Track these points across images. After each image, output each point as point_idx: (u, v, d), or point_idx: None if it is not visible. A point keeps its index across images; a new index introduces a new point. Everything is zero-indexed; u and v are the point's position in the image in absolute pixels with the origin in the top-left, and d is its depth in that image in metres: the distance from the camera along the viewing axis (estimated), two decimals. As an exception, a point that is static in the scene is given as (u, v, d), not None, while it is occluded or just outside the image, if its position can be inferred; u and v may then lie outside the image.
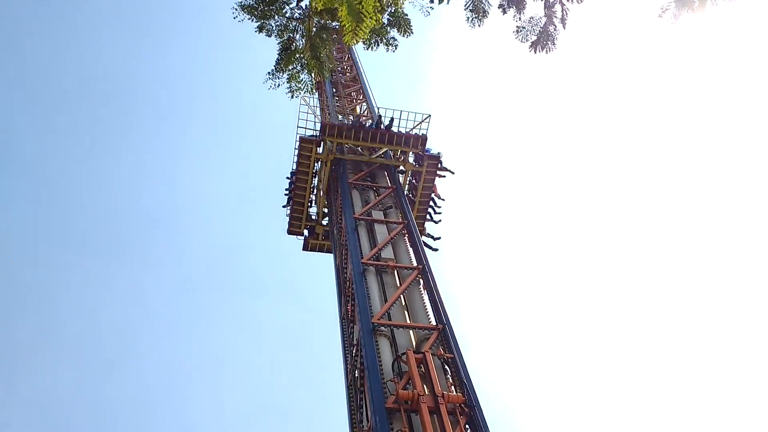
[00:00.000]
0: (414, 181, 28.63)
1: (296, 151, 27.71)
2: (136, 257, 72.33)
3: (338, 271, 24.51)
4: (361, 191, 25.84)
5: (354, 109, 32.92)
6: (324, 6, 10.46)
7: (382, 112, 29.26)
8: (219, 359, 69.63)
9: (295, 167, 27.80)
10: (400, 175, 28.46)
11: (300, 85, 14.58)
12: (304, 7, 13.41)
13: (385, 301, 19.40)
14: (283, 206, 28.82)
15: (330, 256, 27.88)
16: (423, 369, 16.27)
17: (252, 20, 13.45)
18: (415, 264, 21.33)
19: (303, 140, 27.11)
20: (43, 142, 72.46)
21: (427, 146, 27.84)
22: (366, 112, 31.96)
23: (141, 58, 79.52)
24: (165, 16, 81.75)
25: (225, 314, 74.06)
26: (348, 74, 35.84)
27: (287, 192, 28.57)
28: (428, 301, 19.73)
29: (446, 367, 17.23)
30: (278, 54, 13.69)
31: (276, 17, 13.33)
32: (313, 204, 29.00)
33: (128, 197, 75.86)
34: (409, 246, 22.50)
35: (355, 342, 19.66)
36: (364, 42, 13.91)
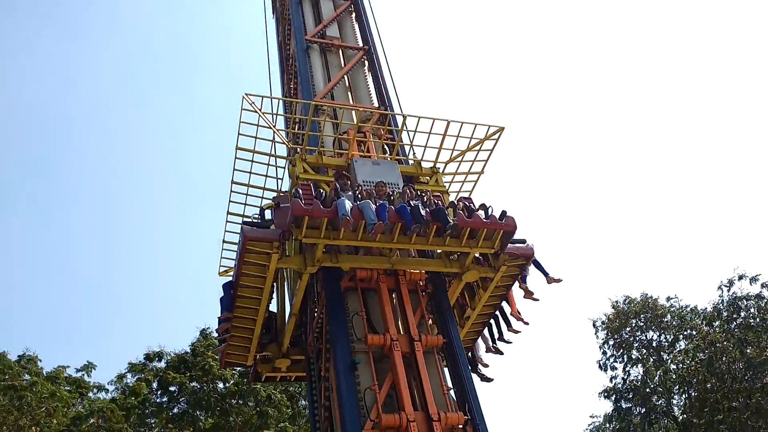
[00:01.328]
0: (474, 284, 14.57)
1: (236, 253, 12.98)
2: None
3: (280, 49, 20.88)
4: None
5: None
6: None
7: (411, 123, 14.32)
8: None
9: (234, 283, 13.16)
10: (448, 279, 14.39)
11: None
12: None
13: (329, 81, 16.69)
14: (215, 349, 14.51)
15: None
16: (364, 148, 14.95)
17: None
18: (361, 44, 18.23)
19: (250, 239, 11.99)
20: None
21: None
22: (374, 109, 16.48)
23: None
24: None
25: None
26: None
27: (218, 331, 14.03)
28: (372, 83, 17.22)
29: (385, 147, 15.51)
30: None
31: None
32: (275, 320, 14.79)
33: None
34: (356, 26, 19.04)
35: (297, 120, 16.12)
36: None
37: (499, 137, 14.99)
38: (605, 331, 39.26)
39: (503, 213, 13.19)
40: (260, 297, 13.18)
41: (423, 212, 12.28)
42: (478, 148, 15.14)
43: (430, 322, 13.18)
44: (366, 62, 17.84)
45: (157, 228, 77.67)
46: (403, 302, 12.67)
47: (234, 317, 13.55)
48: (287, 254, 12.70)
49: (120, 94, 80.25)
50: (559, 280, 14.08)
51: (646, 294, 39.12)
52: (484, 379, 15.25)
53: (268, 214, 13.59)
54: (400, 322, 12.60)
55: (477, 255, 13.67)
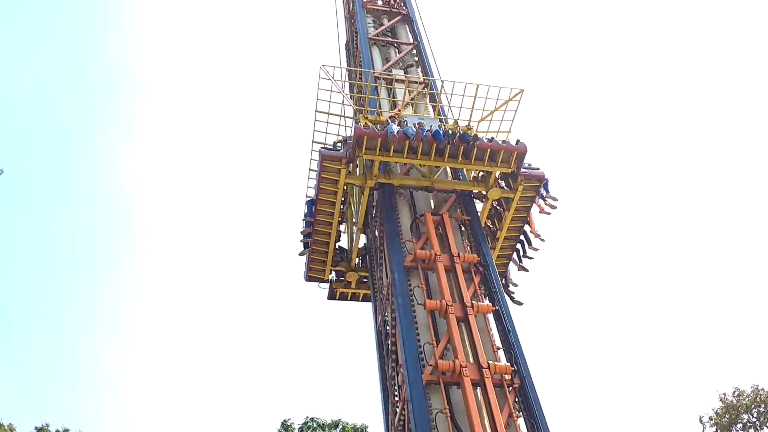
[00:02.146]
0: (499, 207, 18.52)
1: (315, 171, 17.48)
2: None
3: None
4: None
5: (405, 69, 21.70)
6: None
7: (448, 86, 18.52)
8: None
9: (314, 195, 17.66)
10: (478, 201, 18.32)
11: None
12: None
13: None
14: (300, 254, 18.79)
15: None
16: (441, 230, 16.21)
17: None
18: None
19: (326, 158, 16.55)
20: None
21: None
22: (423, 84, 20.90)
23: None
24: None
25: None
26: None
27: (303, 236, 18.49)
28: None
29: (463, 229, 16.88)
30: None
31: None
32: (343, 235, 19.12)
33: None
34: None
35: (374, 204, 17.64)
36: None
37: (520, 98, 18.94)
38: (714, 428, 35.47)
39: (517, 141, 17.14)
40: (333, 211, 17.47)
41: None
42: (504, 108, 19.11)
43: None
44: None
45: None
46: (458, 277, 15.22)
47: (314, 231, 17.86)
48: (351, 174, 17.04)
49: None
50: (554, 205, 17.75)
51: (757, 386, 35.29)
52: (515, 301, 18.68)
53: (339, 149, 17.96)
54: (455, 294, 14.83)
55: (499, 180, 17.56)
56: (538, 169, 17.69)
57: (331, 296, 19.66)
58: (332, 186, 16.99)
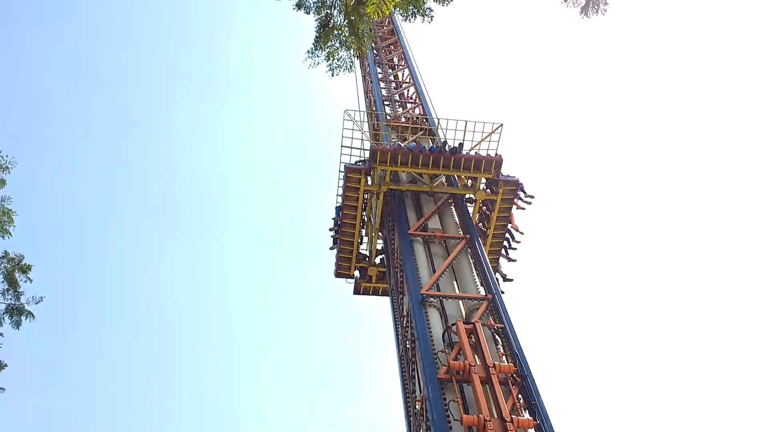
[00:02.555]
0: (487, 210, 23.37)
1: (341, 182, 22.66)
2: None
3: (386, 243, 23.16)
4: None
5: (407, 113, 27.38)
6: None
7: (443, 123, 23.82)
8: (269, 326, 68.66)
9: (341, 201, 22.78)
10: (469, 205, 23.24)
11: (339, 63, 14.66)
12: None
13: (434, 272, 19.17)
14: (330, 248, 23.83)
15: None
16: (473, 339, 16.13)
17: None
18: (462, 234, 20.94)
19: (349, 170, 21.87)
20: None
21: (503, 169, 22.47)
22: (422, 120, 26.42)
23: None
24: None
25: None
26: (398, 68, 30.53)
27: (332, 231, 23.58)
28: (476, 271, 19.54)
29: (497, 337, 16.90)
30: (316, 31, 13.73)
31: None
32: (364, 241, 24.07)
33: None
34: (455, 215, 22.03)
35: (405, 313, 19.05)
36: (401, 13, 14.45)
37: (501, 131, 24.16)
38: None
39: (496, 153, 22.23)
40: (355, 215, 22.49)
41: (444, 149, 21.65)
42: (488, 139, 24.31)
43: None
44: (469, 250, 20.28)
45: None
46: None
47: (341, 232, 22.80)
48: (369, 184, 22.15)
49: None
50: (530, 201, 22.56)
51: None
52: (506, 279, 23.18)
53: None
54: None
55: (484, 186, 22.48)
56: (515, 177, 22.72)
57: (356, 291, 24.41)
58: (354, 193, 22.20)
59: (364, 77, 31.17)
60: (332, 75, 15.11)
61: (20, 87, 72.16)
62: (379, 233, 23.38)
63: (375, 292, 24.56)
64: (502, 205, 22.66)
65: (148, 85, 77.79)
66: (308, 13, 14.55)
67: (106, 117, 74.32)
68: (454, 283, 19.47)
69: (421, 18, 17.16)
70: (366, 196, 22.65)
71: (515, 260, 23.55)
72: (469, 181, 22.69)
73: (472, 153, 22.69)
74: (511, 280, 23.28)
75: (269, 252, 73.09)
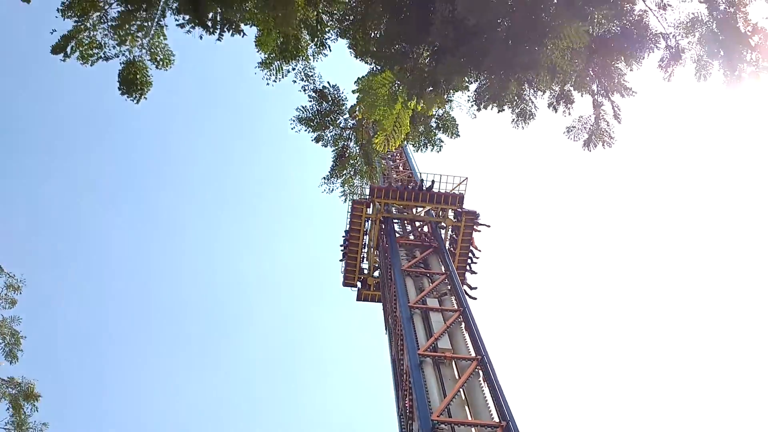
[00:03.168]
0: (454, 235, 31.75)
1: (349, 212, 31.28)
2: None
3: (394, 363, 24.22)
4: (415, 278, 26.73)
5: (400, 174, 36.36)
6: (367, 117, 11.30)
7: (424, 176, 32.63)
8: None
9: (348, 226, 31.19)
10: (442, 231, 31.69)
11: (353, 189, 14.56)
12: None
13: (444, 395, 18.96)
14: (340, 260, 32.05)
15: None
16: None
17: (309, 131, 13.40)
18: (473, 354, 21.01)
19: (355, 203, 30.51)
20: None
21: (465, 204, 31.08)
22: (409, 177, 35.41)
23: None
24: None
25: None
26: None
27: (342, 247, 31.83)
28: (489, 394, 19.30)
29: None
30: (333, 161, 13.70)
31: (331, 127, 13.34)
32: (365, 260, 32.31)
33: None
34: (466, 335, 22.40)
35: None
36: (413, 144, 14.18)
37: (466, 183, 32.90)
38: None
39: (459, 191, 30.89)
40: (359, 236, 30.84)
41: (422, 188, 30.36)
42: (456, 191, 32.98)
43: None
44: (480, 372, 20.34)
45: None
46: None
47: (348, 248, 31.07)
48: (370, 213, 30.68)
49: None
50: (486, 225, 31.00)
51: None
52: (471, 288, 31.21)
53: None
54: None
55: (451, 216, 30.99)
56: (475, 210, 31.27)
57: (359, 298, 32.54)
58: (358, 219, 30.78)
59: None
60: (345, 200, 15.49)
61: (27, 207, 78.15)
62: (376, 251, 31.71)
63: (372, 299, 32.64)
64: (465, 230, 31.16)
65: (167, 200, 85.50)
66: (326, 146, 14.16)
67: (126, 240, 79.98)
68: (466, 408, 19.37)
69: (431, 147, 16.51)
70: (367, 223, 31.14)
71: (476, 272, 31.83)
72: (442, 213, 31.30)
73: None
74: (475, 287, 31.42)
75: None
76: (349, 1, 11.17)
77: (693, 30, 9.52)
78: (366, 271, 32.24)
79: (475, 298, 30.98)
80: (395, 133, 10.75)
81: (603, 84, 10.15)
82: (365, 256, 32.18)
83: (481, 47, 9.91)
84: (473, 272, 31.93)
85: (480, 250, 31.76)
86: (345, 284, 32.51)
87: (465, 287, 31.02)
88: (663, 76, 9.85)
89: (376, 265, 32.17)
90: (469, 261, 31.99)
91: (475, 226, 31.23)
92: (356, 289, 32.46)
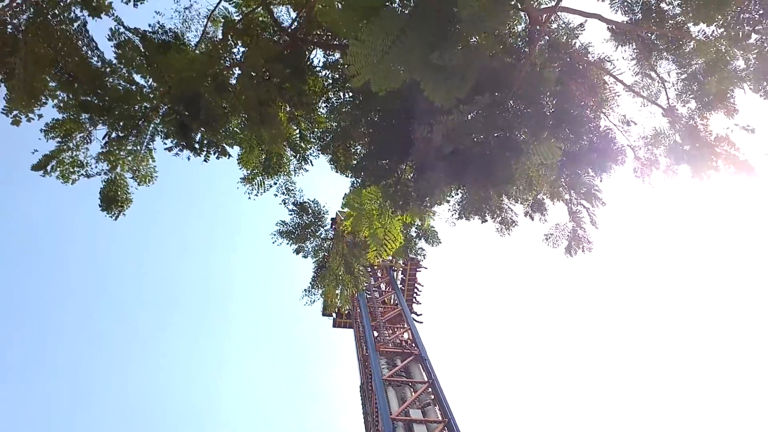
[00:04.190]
0: (403, 276, 33.21)
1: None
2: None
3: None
4: (396, 387, 25.22)
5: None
6: (352, 230, 11.15)
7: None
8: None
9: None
10: (394, 272, 33.14)
11: (334, 300, 14.33)
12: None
13: None
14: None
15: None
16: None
17: (290, 244, 13.17)
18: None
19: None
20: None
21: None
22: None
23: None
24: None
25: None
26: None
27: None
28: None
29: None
30: (314, 272, 13.54)
31: (311, 239, 13.25)
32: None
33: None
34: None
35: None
36: (393, 257, 13.79)
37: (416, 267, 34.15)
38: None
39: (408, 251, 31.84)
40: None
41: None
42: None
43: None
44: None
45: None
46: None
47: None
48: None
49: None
50: (424, 267, 32.37)
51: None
52: (417, 315, 32.49)
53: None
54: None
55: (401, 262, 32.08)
56: (417, 258, 32.44)
57: (334, 325, 33.95)
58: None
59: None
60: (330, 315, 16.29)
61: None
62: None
63: (346, 326, 33.99)
64: (411, 271, 32.84)
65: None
66: (306, 257, 13.99)
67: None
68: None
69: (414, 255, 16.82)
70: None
71: (420, 303, 33.32)
72: (394, 260, 32.31)
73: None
74: (420, 314, 32.81)
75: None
76: (330, 120, 11.37)
77: (657, 143, 10.33)
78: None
79: (421, 323, 32.60)
80: (387, 245, 10.85)
81: (576, 193, 10.33)
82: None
83: (461, 162, 9.81)
84: (418, 302, 33.86)
85: (422, 285, 33.81)
86: (324, 314, 34.24)
87: (412, 314, 32.57)
88: (640, 182, 10.00)
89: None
90: (414, 295, 33.71)
91: (418, 269, 33.68)
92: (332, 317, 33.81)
